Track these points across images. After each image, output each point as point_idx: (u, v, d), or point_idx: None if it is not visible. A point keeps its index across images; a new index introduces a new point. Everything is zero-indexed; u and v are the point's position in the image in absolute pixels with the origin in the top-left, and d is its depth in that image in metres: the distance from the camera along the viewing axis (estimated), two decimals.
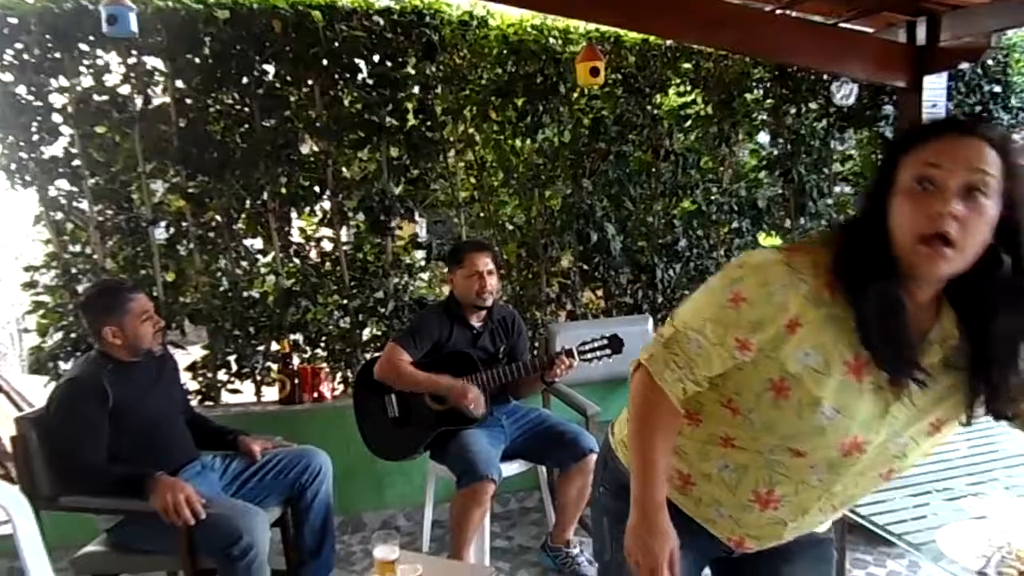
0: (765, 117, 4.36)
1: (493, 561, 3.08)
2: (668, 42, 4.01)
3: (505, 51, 3.80)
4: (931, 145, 1.12)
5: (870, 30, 3.77)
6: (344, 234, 3.84)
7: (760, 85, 4.28)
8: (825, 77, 4.19)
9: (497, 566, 3.14)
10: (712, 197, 4.21)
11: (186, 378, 3.32)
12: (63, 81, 3.35)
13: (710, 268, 4.20)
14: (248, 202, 3.64)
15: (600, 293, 4.23)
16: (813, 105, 4.33)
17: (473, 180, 4.02)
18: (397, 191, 3.77)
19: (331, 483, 2.78)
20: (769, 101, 4.32)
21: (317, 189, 3.73)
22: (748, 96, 4.26)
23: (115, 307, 2.51)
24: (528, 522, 3.63)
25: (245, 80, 3.49)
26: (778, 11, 3.60)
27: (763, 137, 4.53)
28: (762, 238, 4.46)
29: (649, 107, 4.07)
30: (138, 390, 2.52)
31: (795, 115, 4.31)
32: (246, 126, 3.56)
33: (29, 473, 2.37)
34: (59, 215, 3.45)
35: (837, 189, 4.53)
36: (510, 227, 4.12)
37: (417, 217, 3.93)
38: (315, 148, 3.74)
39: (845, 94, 3.94)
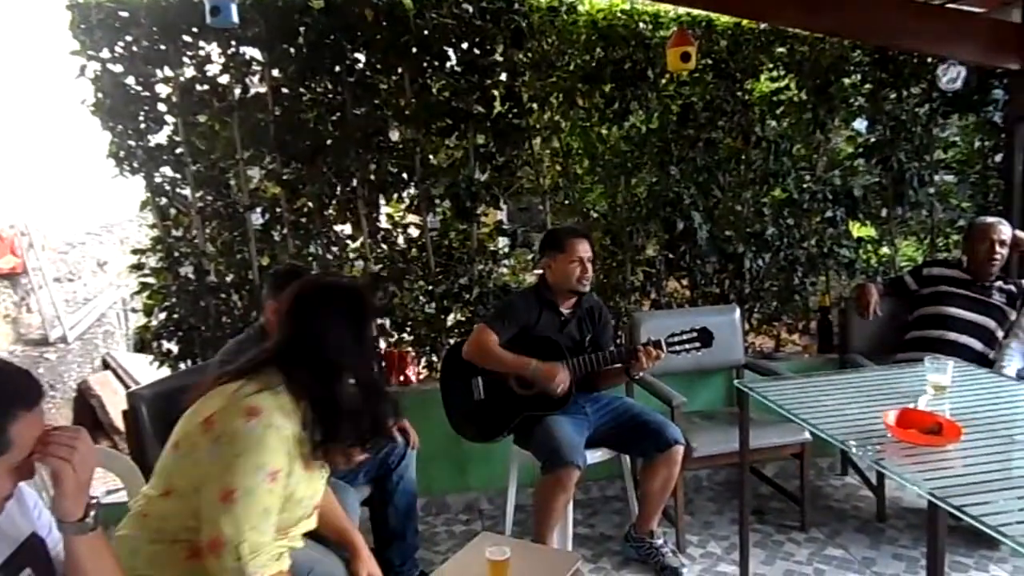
0: (863, 102, 4.18)
1: (575, 548, 3.09)
2: (762, 26, 3.90)
3: (594, 37, 3.77)
4: None
5: (981, 10, 3.58)
6: (430, 220, 3.89)
7: (859, 69, 4.11)
8: (929, 60, 4.00)
9: (580, 552, 3.14)
10: (804, 185, 4.08)
11: None
12: (168, 72, 3.49)
13: (800, 258, 4.09)
14: (339, 189, 3.73)
15: (685, 282, 4.17)
16: (915, 89, 4.13)
17: (558, 167, 4.01)
18: (483, 178, 3.79)
19: (415, 466, 2.83)
20: (868, 86, 4.14)
21: (405, 176, 3.79)
22: (845, 81, 4.09)
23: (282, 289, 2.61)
24: (610, 510, 3.62)
25: (337, 69, 3.57)
26: None
27: (860, 123, 4.36)
28: (856, 228, 4.31)
29: (740, 93, 3.97)
30: None
31: (895, 100, 4.13)
32: (338, 114, 3.64)
33: (140, 445, 2.49)
34: (163, 200, 3.62)
35: (938, 177, 4.33)
36: (595, 215, 4.09)
37: (501, 204, 3.96)
38: (404, 135, 3.80)
39: (952, 78, 3.74)
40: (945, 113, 4.21)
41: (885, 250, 4.30)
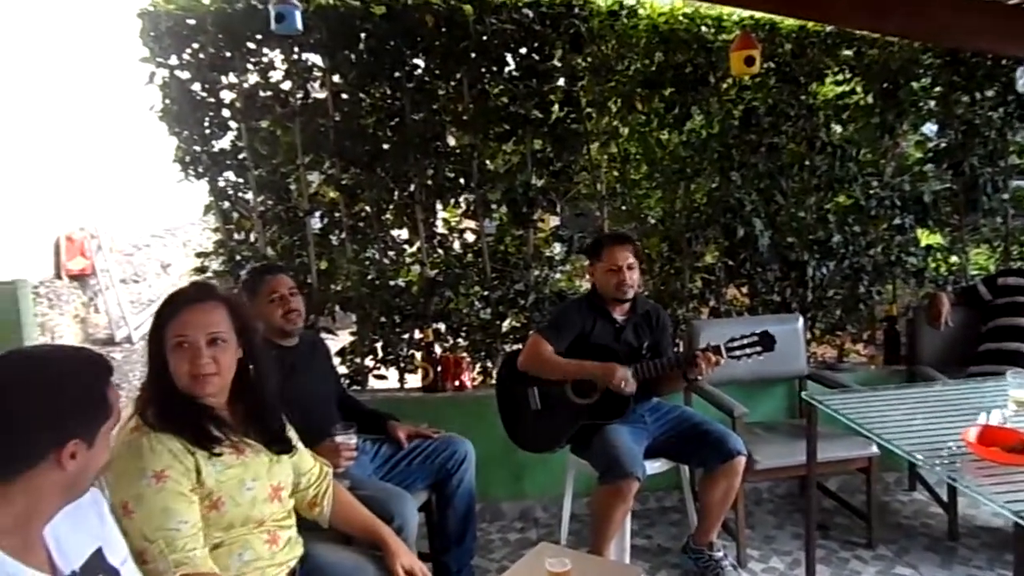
0: (933, 106, 4.04)
1: (633, 560, 3.04)
2: (828, 29, 3.80)
3: (654, 41, 3.72)
4: (177, 319, 1.73)
5: None
6: (487, 226, 3.89)
7: (929, 72, 3.98)
8: (1004, 62, 3.85)
9: (637, 564, 3.09)
10: (871, 191, 3.95)
11: (336, 362, 3.46)
12: (232, 78, 3.56)
13: (866, 266, 3.96)
14: (396, 194, 3.75)
15: (745, 290, 4.08)
16: (989, 93, 3.98)
17: (616, 173, 3.97)
18: (540, 183, 3.78)
19: (474, 471, 2.82)
20: (938, 89, 4.01)
21: (462, 181, 3.79)
22: (915, 84, 3.96)
23: (252, 289, 2.67)
24: (667, 522, 3.56)
25: (397, 74, 3.58)
26: None
27: (929, 128, 4.22)
28: (924, 235, 4.17)
29: (804, 97, 3.88)
30: (297, 373, 2.64)
31: (968, 104, 3.98)
32: (396, 119, 3.65)
33: None
34: (226, 204, 3.69)
35: (1013, 183, 4.16)
36: (652, 221, 4.04)
37: (558, 210, 3.93)
38: (461, 141, 3.81)
39: None
40: (1021, 117, 4.05)
41: (955, 258, 4.15)
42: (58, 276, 7.02)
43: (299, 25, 3.03)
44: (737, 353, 2.87)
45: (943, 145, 4.07)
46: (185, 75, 3.50)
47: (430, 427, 2.91)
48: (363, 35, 3.51)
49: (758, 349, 2.86)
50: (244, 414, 1.86)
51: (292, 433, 2.01)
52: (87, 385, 1.25)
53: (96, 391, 1.26)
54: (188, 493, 1.67)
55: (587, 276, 3.61)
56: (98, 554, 1.35)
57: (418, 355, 3.77)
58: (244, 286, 2.76)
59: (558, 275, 4.01)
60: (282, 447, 1.91)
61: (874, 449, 3.08)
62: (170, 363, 1.73)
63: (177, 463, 1.66)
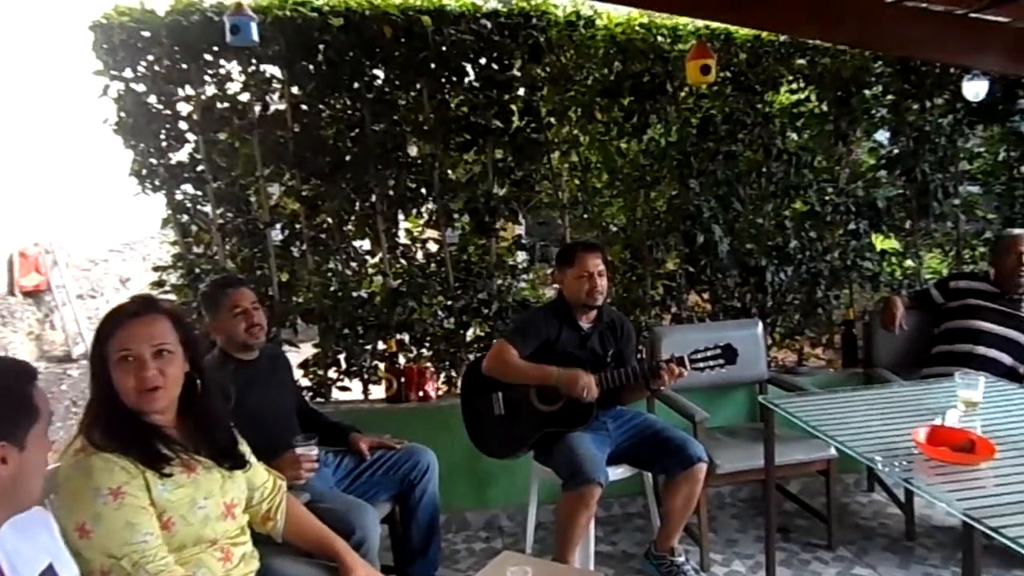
0: (885, 114, 4.14)
1: (597, 566, 3.05)
2: (782, 38, 3.87)
3: (612, 51, 3.75)
4: (120, 333, 1.70)
5: (1006, 19, 3.52)
6: (449, 235, 3.89)
7: (880, 80, 4.07)
8: (953, 71, 3.96)
9: (602, 571, 3.10)
10: (827, 197, 4.03)
11: (298, 375, 3.43)
12: (189, 90, 3.52)
13: (823, 271, 4.04)
14: (358, 204, 3.73)
15: (707, 296, 4.12)
16: (939, 100, 4.09)
17: (577, 181, 3.99)
18: (502, 193, 3.79)
19: (437, 482, 2.81)
20: (890, 97, 4.10)
21: (424, 191, 3.78)
22: (867, 92, 4.06)
23: (214, 302, 2.65)
24: (632, 528, 3.58)
25: (356, 85, 3.57)
26: (903, 2, 3.41)
27: (882, 135, 4.32)
28: (879, 240, 4.25)
29: (760, 105, 3.94)
30: (256, 387, 2.62)
31: (918, 111, 4.08)
32: (357, 130, 3.64)
33: None
34: (184, 218, 3.64)
35: (963, 189, 4.27)
36: (614, 228, 4.07)
37: (520, 219, 3.95)
38: (422, 151, 3.80)
39: (977, 89, 3.69)
40: (970, 123, 4.16)
41: (909, 263, 4.24)
42: (11, 293, 6.86)
43: (255, 37, 3.01)
44: (700, 365, 2.91)
45: (895, 152, 4.17)
46: (140, 87, 3.45)
47: (393, 438, 2.90)
48: (321, 46, 3.49)
49: (720, 362, 2.90)
50: (193, 429, 1.82)
51: (245, 447, 1.98)
52: (7, 388, 1.26)
53: (18, 393, 1.26)
54: (147, 507, 1.64)
55: (552, 284, 3.63)
56: (50, 570, 1.33)
57: (382, 366, 3.75)
58: (204, 299, 2.73)
59: (521, 284, 4.02)
60: (234, 462, 1.88)
61: (832, 451, 3.13)
62: (115, 379, 1.69)
63: (130, 478, 1.63)
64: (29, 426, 1.25)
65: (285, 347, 3.58)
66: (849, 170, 4.15)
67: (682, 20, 3.79)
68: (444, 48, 3.54)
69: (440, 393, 3.79)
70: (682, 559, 2.99)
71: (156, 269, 3.76)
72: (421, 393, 3.68)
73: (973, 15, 3.46)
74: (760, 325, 3.69)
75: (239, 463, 1.90)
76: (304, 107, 3.61)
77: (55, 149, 7.00)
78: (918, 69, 4.02)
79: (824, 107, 4.05)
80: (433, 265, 3.86)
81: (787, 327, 4.13)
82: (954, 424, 2.22)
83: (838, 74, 3.96)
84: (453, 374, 3.84)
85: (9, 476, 1.20)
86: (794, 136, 4.08)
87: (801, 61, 3.99)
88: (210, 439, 1.85)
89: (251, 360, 2.69)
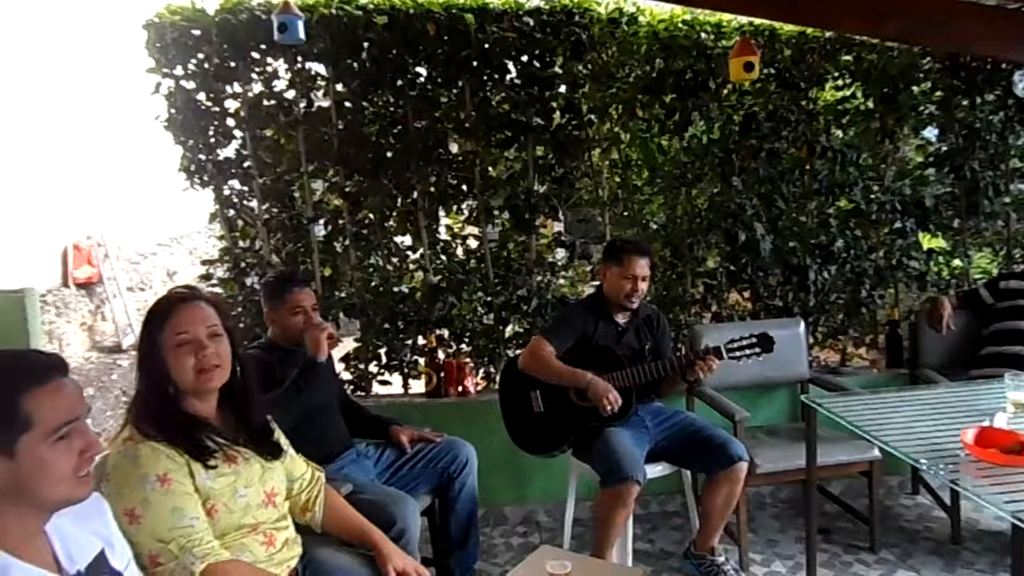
0: (934, 111, 4.06)
1: (635, 564, 3.04)
2: (827, 34, 3.82)
3: (655, 48, 3.74)
4: (174, 318, 1.76)
5: None
6: (489, 232, 3.91)
7: (929, 76, 3.99)
8: (1004, 66, 3.86)
9: (639, 567, 3.10)
10: (872, 195, 3.97)
11: (339, 369, 3.48)
12: (237, 87, 3.60)
13: (868, 270, 3.97)
14: (399, 200, 3.78)
15: (747, 295, 4.09)
16: (989, 97, 4.00)
17: (617, 179, 3.99)
18: (542, 190, 3.80)
19: (476, 476, 2.83)
20: (938, 93, 4.02)
21: (464, 188, 3.82)
22: (915, 89, 3.98)
23: (277, 296, 2.72)
24: (669, 526, 3.57)
25: (399, 83, 3.62)
26: None
27: (930, 132, 4.23)
28: (926, 239, 4.17)
29: (804, 102, 3.90)
30: (300, 379, 2.66)
31: (968, 108, 3.99)
32: (399, 127, 3.69)
33: None
34: (231, 212, 3.72)
35: (1015, 187, 4.16)
36: (654, 226, 4.06)
37: (560, 216, 3.95)
38: (463, 148, 3.83)
39: None
40: (1021, 120, 4.06)
41: (957, 262, 4.16)
42: (65, 284, 7.06)
43: (302, 35, 3.07)
44: (737, 354, 2.89)
45: (944, 149, 4.08)
46: (190, 85, 3.54)
47: (433, 431, 2.93)
48: (366, 44, 3.54)
49: (757, 350, 2.89)
50: (233, 419, 1.88)
51: (282, 439, 2.03)
52: None
53: (2, 403, 1.20)
54: (192, 492, 1.69)
55: (595, 278, 3.63)
56: (102, 556, 1.37)
57: (421, 361, 3.79)
58: (267, 289, 2.80)
59: (560, 280, 4.03)
60: (272, 451, 1.93)
61: (876, 453, 3.09)
62: (171, 364, 1.74)
63: (176, 466, 1.69)
64: (17, 435, 1.20)
65: None
66: (895, 168, 4.08)
67: (726, 17, 3.76)
68: (486, 45, 3.57)
69: (479, 388, 3.82)
70: (722, 559, 2.98)
71: (204, 263, 3.86)
72: (460, 388, 3.71)
73: None
74: (802, 324, 3.65)
75: (276, 452, 1.95)
76: (348, 104, 3.66)
77: (108, 145, 7.19)
78: (968, 65, 3.93)
79: (870, 104, 3.99)
80: (473, 261, 3.89)
81: (830, 327, 4.08)
82: (1003, 426, 2.18)
83: (885, 70, 3.89)
84: (492, 369, 3.87)
85: (3, 482, 1.20)
86: (839, 133, 4.03)
87: (847, 57, 3.93)
88: (249, 428, 1.90)
89: (297, 351, 2.74)
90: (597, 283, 3.17)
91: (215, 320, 1.80)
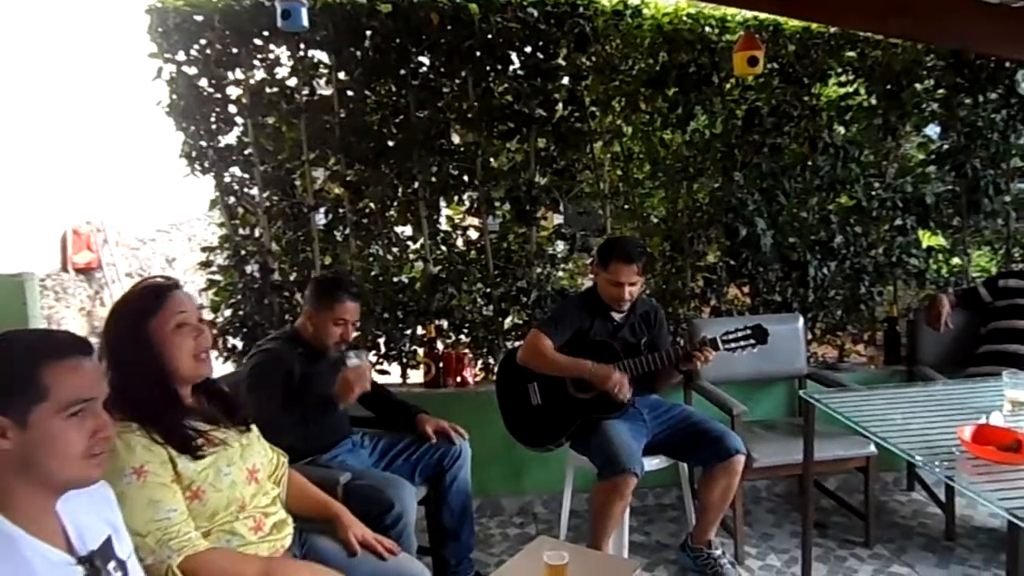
0: (936, 108, 4.05)
1: (631, 555, 3.06)
2: (832, 30, 3.81)
3: (659, 41, 3.74)
4: (169, 304, 1.77)
5: None
6: (490, 223, 3.91)
7: (932, 74, 3.99)
8: (1008, 65, 3.86)
9: (636, 560, 3.11)
10: (873, 192, 3.97)
11: None
12: (238, 74, 3.59)
13: (867, 267, 3.98)
14: (400, 190, 3.77)
15: (747, 290, 4.09)
16: (992, 95, 3.98)
17: (619, 172, 3.99)
18: (543, 182, 3.80)
19: (469, 469, 2.84)
20: (941, 91, 4.01)
21: (466, 178, 3.81)
22: (918, 86, 3.97)
23: (324, 300, 2.70)
24: (666, 519, 3.58)
25: (402, 72, 3.61)
26: None
27: (932, 129, 4.23)
28: (926, 237, 4.18)
29: (807, 98, 3.89)
30: (318, 376, 2.67)
31: (971, 106, 3.98)
32: (401, 117, 3.68)
33: None
34: (232, 200, 3.72)
35: (1015, 186, 4.16)
36: (655, 220, 4.06)
37: (561, 208, 3.95)
38: (465, 139, 3.83)
39: None
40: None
41: (956, 260, 4.16)
42: (64, 269, 7.07)
43: (305, 22, 3.06)
44: (732, 345, 2.90)
45: (945, 147, 4.08)
46: (192, 71, 3.53)
47: (455, 428, 2.87)
48: (369, 33, 3.54)
49: (752, 342, 2.90)
50: (207, 401, 1.89)
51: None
52: (11, 363, 1.23)
53: (22, 370, 1.23)
54: (170, 484, 1.68)
55: (590, 275, 3.64)
56: (109, 542, 1.37)
57: (420, 351, 3.79)
58: (317, 287, 2.78)
59: (560, 273, 4.04)
60: (243, 419, 1.95)
61: (872, 448, 3.10)
62: (167, 350, 1.74)
63: (153, 456, 1.68)
64: (31, 404, 1.22)
65: None
66: (897, 165, 4.08)
67: (730, 11, 3.75)
68: (490, 36, 3.55)
69: (477, 379, 3.82)
70: (719, 552, 2.99)
71: (204, 250, 3.85)
72: (459, 379, 3.72)
73: None
74: (800, 319, 3.66)
75: (246, 420, 1.96)
76: (350, 93, 3.66)
77: (108, 130, 7.17)
78: (972, 63, 3.91)
79: (873, 100, 3.98)
80: (473, 252, 3.89)
81: (828, 322, 4.08)
82: (1000, 424, 2.19)
83: (888, 67, 3.89)
84: (491, 361, 3.87)
85: (15, 452, 1.21)
86: (841, 129, 4.02)
87: (851, 53, 3.93)
88: (222, 405, 1.92)
89: (319, 350, 2.75)
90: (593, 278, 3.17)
91: (198, 309, 1.83)
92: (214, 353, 3.71)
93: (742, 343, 2.90)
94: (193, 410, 1.82)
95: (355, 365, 2.55)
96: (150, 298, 1.78)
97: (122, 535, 1.44)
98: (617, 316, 3.06)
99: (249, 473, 1.87)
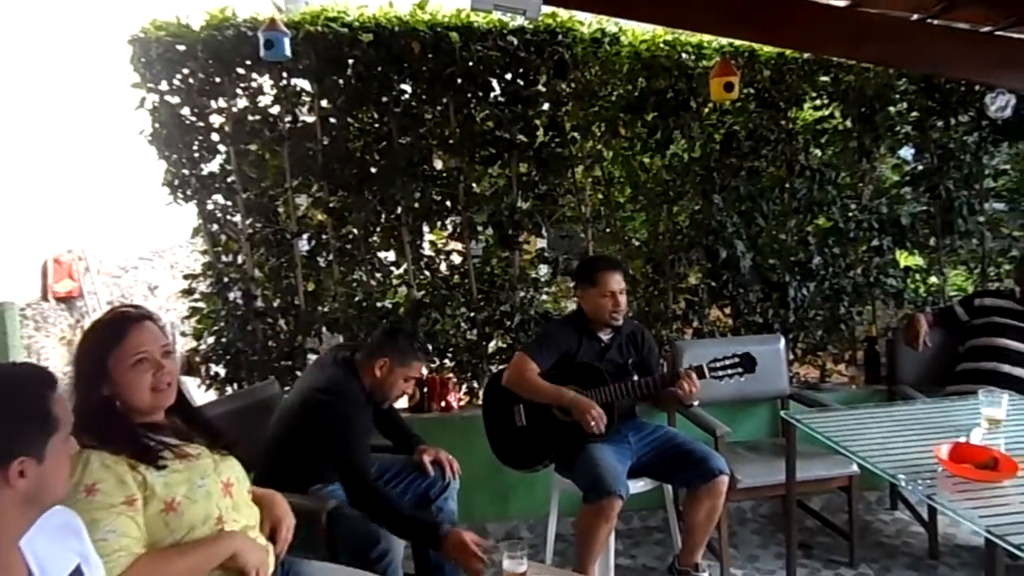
0: (910, 131, 4.14)
1: None
2: (806, 55, 3.89)
3: (637, 67, 3.80)
4: (131, 338, 1.76)
5: None
6: (473, 248, 3.93)
7: (905, 97, 4.08)
8: (977, 88, 3.95)
9: None
10: (850, 214, 4.04)
11: None
12: (221, 103, 3.61)
13: (846, 287, 4.03)
14: (383, 216, 3.79)
15: (728, 311, 4.13)
16: (963, 118, 4.08)
17: (600, 196, 4.03)
18: (525, 206, 3.83)
19: (456, 500, 2.82)
20: (914, 114, 4.10)
21: (448, 204, 3.84)
22: (891, 109, 4.06)
23: (405, 355, 2.67)
24: (652, 541, 3.58)
25: (384, 99, 3.64)
26: (928, 20, 3.42)
27: (906, 152, 4.31)
28: (903, 257, 4.24)
29: (783, 122, 3.96)
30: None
31: (943, 128, 4.08)
32: (384, 143, 3.71)
33: None
34: (214, 227, 3.72)
35: (988, 206, 4.25)
36: (636, 243, 4.10)
37: (543, 232, 3.99)
38: (448, 164, 3.86)
39: (1000, 106, 3.70)
40: (995, 141, 4.15)
41: (934, 280, 4.23)
42: (45, 298, 6.98)
43: (288, 52, 3.09)
44: (719, 374, 2.92)
45: (919, 168, 4.16)
46: (175, 100, 3.55)
47: (451, 463, 2.83)
48: (351, 61, 3.57)
49: (739, 370, 2.92)
50: (182, 423, 1.89)
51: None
52: (28, 401, 1.25)
53: (38, 407, 1.25)
54: (118, 505, 1.65)
55: (573, 297, 3.66)
56: (78, 572, 1.36)
57: None
58: (393, 341, 2.70)
59: (544, 296, 4.06)
60: (226, 444, 1.93)
61: (854, 468, 3.12)
62: (125, 384, 1.74)
63: (111, 476, 1.65)
64: (49, 437, 1.24)
65: (311, 355, 3.65)
66: (873, 187, 4.15)
67: (707, 37, 3.82)
68: (471, 64, 3.60)
69: (462, 404, 3.82)
70: (706, 574, 2.99)
71: (187, 277, 3.84)
72: (443, 403, 3.72)
73: (999, 33, 3.46)
74: (782, 340, 3.69)
75: (230, 445, 1.95)
76: (333, 120, 3.69)
77: (90, 158, 7.15)
78: (943, 87, 4.01)
79: (848, 124, 4.06)
80: (457, 277, 3.91)
81: (809, 343, 4.12)
82: (978, 442, 2.22)
83: (862, 91, 3.97)
84: (475, 385, 3.88)
85: (29, 487, 1.21)
86: (818, 152, 4.09)
87: (825, 78, 4.01)
88: (202, 428, 1.92)
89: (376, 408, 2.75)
90: (578, 301, 3.18)
91: (165, 339, 1.82)
92: (196, 381, 3.75)
93: (729, 371, 2.91)
94: (162, 426, 1.81)
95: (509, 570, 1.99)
96: (112, 330, 1.78)
97: (92, 563, 1.43)
98: (605, 337, 3.08)
99: (224, 486, 1.85)
